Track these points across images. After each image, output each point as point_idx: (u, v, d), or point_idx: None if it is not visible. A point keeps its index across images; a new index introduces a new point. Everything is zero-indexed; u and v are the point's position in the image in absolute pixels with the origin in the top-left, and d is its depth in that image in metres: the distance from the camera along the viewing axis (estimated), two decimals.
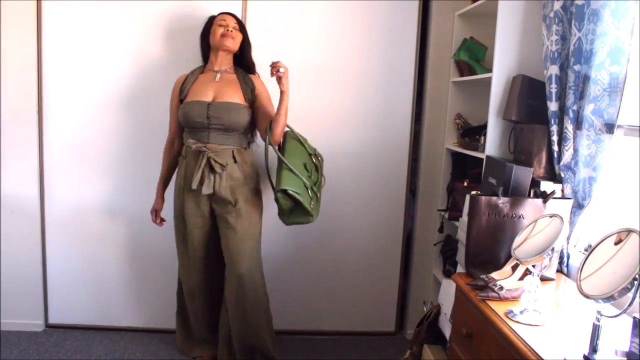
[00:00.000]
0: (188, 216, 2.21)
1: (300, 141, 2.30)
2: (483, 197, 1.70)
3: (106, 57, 2.52)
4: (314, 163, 2.29)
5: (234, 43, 2.21)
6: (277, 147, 2.21)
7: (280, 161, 2.16)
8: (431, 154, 2.73)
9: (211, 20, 2.25)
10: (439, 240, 2.66)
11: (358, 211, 2.73)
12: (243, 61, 2.30)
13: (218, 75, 2.21)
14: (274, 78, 2.07)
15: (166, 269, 2.65)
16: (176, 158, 2.32)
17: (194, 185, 2.10)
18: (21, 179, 2.57)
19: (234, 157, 2.17)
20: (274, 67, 2.05)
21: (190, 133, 2.19)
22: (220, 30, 2.17)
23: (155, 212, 2.39)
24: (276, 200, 2.12)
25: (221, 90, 2.18)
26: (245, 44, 2.29)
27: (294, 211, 2.17)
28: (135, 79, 2.54)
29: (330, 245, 2.75)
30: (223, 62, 2.24)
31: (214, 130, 2.14)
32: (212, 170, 2.12)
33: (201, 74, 2.25)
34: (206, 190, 2.11)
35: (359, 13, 2.57)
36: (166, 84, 2.51)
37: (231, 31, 2.19)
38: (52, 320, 2.72)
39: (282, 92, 2.10)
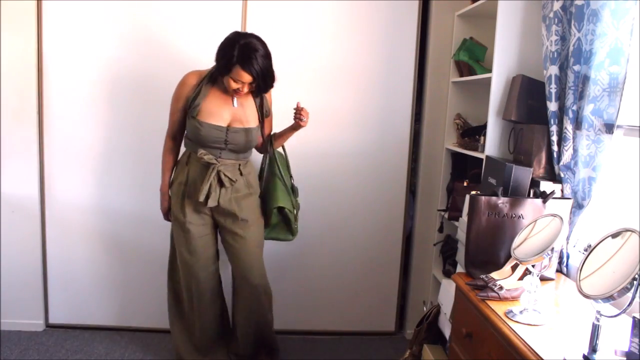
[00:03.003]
0: (191, 225, 2.16)
1: (288, 164, 2.36)
2: (483, 197, 1.70)
3: (106, 57, 2.52)
4: (294, 186, 2.36)
5: (242, 95, 2.09)
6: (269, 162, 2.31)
7: (279, 177, 2.26)
8: (431, 154, 2.73)
9: (232, 45, 1.95)
10: (439, 240, 2.66)
11: (358, 211, 2.74)
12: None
13: (235, 101, 2.11)
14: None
15: (166, 269, 2.64)
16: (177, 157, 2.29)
17: (202, 198, 2.06)
18: (21, 179, 2.57)
19: (240, 171, 2.17)
20: (299, 117, 2.11)
21: (198, 145, 2.12)
22: (233, 87, 2.01)
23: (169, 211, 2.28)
24: (267, 214, 2.23)
25: (238, 113, 2.12)
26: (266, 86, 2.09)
27: (276, 227, 2.31)
28: (136, 80, 2.54)
29: (330, 245, 2.75)
30: None
31: (228, 150, 2.12)
32: (220, 183, 2.11)
33: (213, 87, 2.10)
34: (212, 202, 2.10)
35: (359, 13, 2.57)
36: (167, 85, 2.51)
37: (243, 89, 2.04)
38: (52, 320, 2.72)
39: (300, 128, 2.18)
